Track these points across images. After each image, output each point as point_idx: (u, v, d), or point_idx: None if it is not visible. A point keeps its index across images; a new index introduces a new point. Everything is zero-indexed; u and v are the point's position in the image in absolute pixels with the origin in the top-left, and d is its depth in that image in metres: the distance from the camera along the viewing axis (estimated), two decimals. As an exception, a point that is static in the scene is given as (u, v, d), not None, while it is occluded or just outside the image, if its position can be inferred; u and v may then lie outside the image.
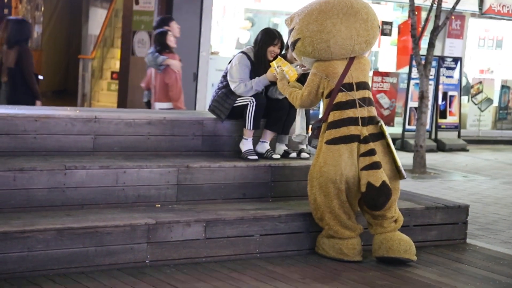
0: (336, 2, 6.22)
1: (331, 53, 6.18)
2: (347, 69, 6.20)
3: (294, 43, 6.30)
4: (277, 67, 6.57)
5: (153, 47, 9.32)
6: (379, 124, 6.20)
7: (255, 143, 6.93)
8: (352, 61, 6.24)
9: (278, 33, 6.97)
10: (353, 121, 6.14)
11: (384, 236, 6.16)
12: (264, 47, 6.88)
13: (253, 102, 6.79)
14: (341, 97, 6.17)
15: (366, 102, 6.21)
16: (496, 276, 6.07)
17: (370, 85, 8.11)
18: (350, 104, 6.16)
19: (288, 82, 6.51)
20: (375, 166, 6.07)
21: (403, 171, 6.23)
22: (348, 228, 6.16)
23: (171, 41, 9.21)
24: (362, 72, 6.26)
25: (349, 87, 6.18)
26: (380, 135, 6.21)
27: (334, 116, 6.17)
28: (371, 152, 6.10)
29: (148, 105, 9.62)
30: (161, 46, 9.14)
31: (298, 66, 6.66)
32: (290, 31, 6.36)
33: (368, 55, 6.53)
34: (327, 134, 6.18)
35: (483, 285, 5.83)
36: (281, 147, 7.15)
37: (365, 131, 6.15)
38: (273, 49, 6.90)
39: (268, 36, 6.91)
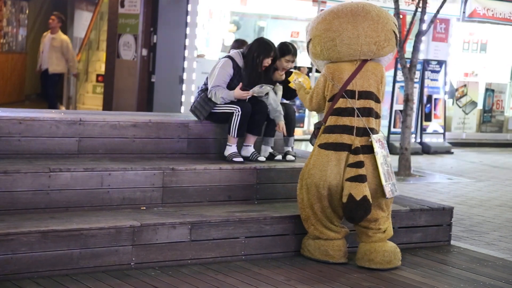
0: (349, 6, 6.22)
1: (339, 52, 6.13)
2: (353, 75, 6.12)
3: (307, 46, 6.33)
4: (295, 80, 6.66)
5: None
6: (369, 140, 6.10)
7: (239, 148, 6.93)
8: (361, 67, 6.15)
9: (273, 44, 6.96)
10: (347, 129, 6.09)
11: (368, 247, 6.11)
12: (260, 58, 6.85)
13: (238, 111, 6.77)
14: (341, 103, 6.11)
15: (366, 112, 6.13)
16: (480, 277, 6.09)
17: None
18: (349, 112, 6.10)
19: (305, 90, 6.52)
20: (360, 179, 5.97)
21: (386, 190, 6.06)
22: (332, 230, 6.16)
23: None
24: (368, 81, 6.15)
25: (351, 94, 6.11)
26: (373, 148, 6.11)
27: (330, 121, 6.14)
28: (359, 164, 6.01)
29: None
30: None
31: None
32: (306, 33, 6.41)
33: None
34: (321, 137, 6.17)
35: (467, 286, 5.85)
36: (267, 150, 7.16)
37: (358, 142, 6.07)
38: (268, 61, 6.91)
39: (264, 48, 6.88)
